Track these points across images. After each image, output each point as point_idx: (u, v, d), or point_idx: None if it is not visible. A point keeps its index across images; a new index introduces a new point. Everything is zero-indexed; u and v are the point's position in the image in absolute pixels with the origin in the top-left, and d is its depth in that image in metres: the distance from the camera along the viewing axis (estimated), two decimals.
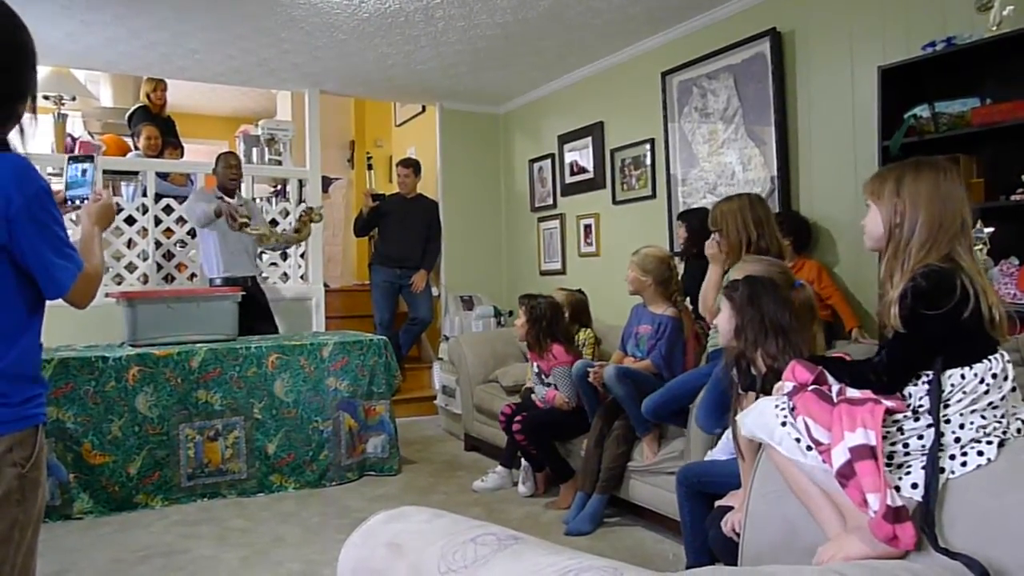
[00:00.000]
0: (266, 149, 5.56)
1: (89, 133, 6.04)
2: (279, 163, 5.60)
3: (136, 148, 5.49)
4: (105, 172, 5.07)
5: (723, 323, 2.19)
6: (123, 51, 4.57)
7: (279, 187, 6.29)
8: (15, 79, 1.35)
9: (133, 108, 5.89)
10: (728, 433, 2.35)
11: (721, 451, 2.44)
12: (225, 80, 5.34)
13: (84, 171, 1.69)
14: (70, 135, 5.53)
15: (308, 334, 4.63)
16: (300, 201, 5.46)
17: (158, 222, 4.97)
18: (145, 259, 4.96)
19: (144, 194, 5.01)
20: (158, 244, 4.97)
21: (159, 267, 4.98)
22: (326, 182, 5.79)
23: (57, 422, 3.37)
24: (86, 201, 1.65)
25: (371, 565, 0.96)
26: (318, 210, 4.89)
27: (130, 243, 4.95)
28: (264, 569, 2.79)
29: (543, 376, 3.68)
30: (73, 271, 1.39)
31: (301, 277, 5.43)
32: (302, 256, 5.43)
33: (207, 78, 5.28)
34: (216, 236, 4.53)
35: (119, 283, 4.90)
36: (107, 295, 4.22)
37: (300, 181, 5.56)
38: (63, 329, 4.45)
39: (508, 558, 0.83)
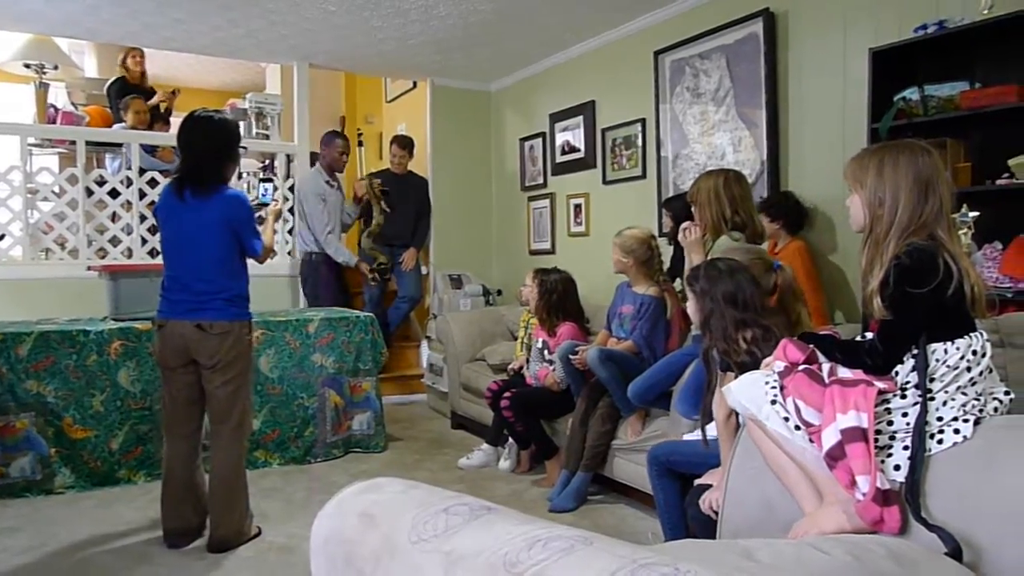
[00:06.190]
0: (254, 123, 5.48)
1: (73, 104, 5.94)
2: (267, 137, 5.52)
3: (121, 120, 5.40)
4: (88, 144, 5.01)
5: (691, 314, 2.18)
6: (105, 19, 4.48)
7: (267, 162, 6.22)
8: (236, 154, 2.86)
9: (111, 80, 5.81)
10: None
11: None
12: (211, 51, 5.25)
13: (266, 190, 2.95)
14: (52, 105, 5.44)
15: (294, 310, 4.61)
16: (288, 176, 5.38)
17: (143, 195, 4.91)
18: (129, 233, 4.91)
19: (128, 167, 4.95)
20: (143, 218, 4.91)
21: (143, 241, 4.93)
22: (315, 158, 5.73)
23: (38, 396, 3.34)
24: (270, 204, 2.68)
25: (343, 535, 0.95)
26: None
27: (114, 216, 4.90)
28: (246, 543, 2.79)
29: (546, 352, 3.66)
30: (260, 246, 2.81)
31: (288, 253, 5.38)
32: (290, 232, 5.37)
33: (193, 49, 5.19)
34: (325, 210, 4.94)
35: (102, 256, 4.85)
36: (89, 268, 4.17)
37: (288, 156, 5.48)
38: (44, 302, 4.42)
39: (479, 528, 0.83)
